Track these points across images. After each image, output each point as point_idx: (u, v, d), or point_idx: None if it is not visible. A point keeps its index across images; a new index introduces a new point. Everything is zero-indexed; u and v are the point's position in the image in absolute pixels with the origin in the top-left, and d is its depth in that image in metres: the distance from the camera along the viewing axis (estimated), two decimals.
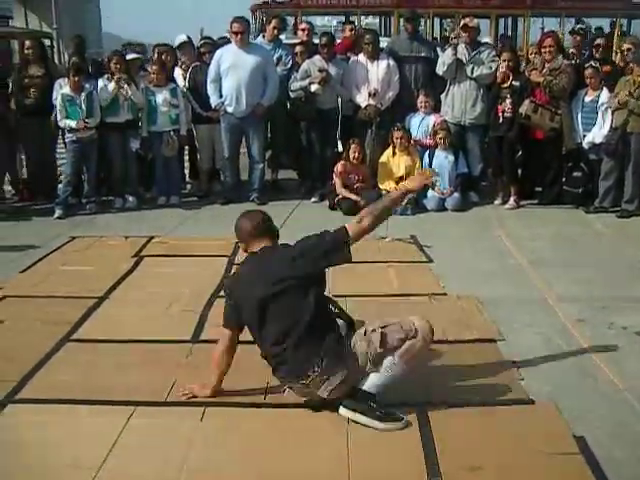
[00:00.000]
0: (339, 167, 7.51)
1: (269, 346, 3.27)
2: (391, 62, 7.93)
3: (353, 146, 7.52)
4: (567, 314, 4.51)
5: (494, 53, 7.75)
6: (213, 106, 7.73)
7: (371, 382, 3.21)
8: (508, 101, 7.32)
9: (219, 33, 10.02)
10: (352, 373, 3.21)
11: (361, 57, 8.03)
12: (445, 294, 4.93)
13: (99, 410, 3.36)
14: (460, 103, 7.72)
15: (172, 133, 7.81)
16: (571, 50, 8.46)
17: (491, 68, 7.54)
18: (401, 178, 7.50)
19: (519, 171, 7.94)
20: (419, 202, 7.50)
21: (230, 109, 7.64)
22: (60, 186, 7.77)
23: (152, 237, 6.48)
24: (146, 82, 7.83)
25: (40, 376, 3.72)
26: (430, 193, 7.52)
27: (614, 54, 10.42)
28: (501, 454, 2.97)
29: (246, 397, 3.45)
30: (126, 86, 7.53)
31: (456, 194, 7.52)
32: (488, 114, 7.62)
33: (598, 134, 7.15)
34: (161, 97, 7.71)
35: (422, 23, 15.03)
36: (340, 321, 3.46)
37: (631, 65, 7.20)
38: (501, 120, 7.43)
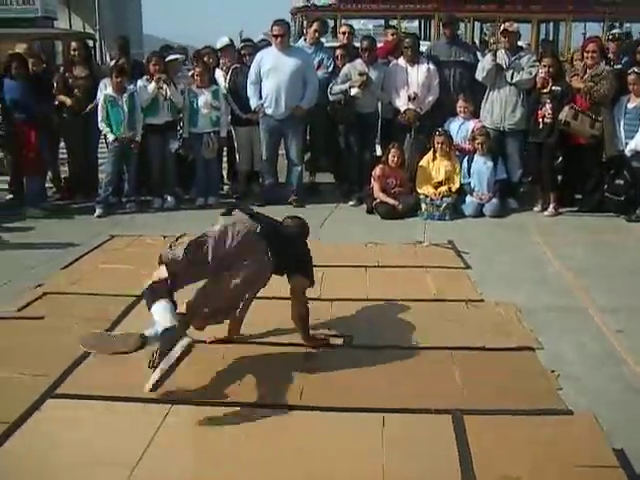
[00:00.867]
0: (377, 171, 7.50)
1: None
2: (431, 66, 7.89)
3: (393, 150, 7.50)
4: (607, 324, 4.44)
5: (534, 58, 7.67)
6: (253, 108, 7.78)
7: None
8: (548, 107, 7.23)
9: (258, 36, 10.08)
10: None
11: (401, 61, 8.00)
12: (482, 300, 4.89)
13: (136, 407, 3.40)
14: (499, 109, 7.65)
15: (212, 135, 7.87)
16: (609, 56, 8.31)
17: (531, 73, 7.45)
18: (440, 183, 7.48)
19: (559, 178, 7.85)
20: (457, 208, 7.45)
21: (269, 111, 7.68)
22: (101, 185, 7.89)
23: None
24: (187, 83, 7.91)
25: (79, 372, 3.78)
26: (468, 199, 7.47)
27: None
28: (537, 464, 2.93)
29: (282, 398, 3.46)
30: (165, 86, 7.61)
31: (494, 200, 7.45)
32: (528, 120, 7.53)
33: None
34: (203, 99, 7.78)
35: (461, 27, 14.92)
36: None
37: None
38: (541, 126, 7.34)
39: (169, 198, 7.97)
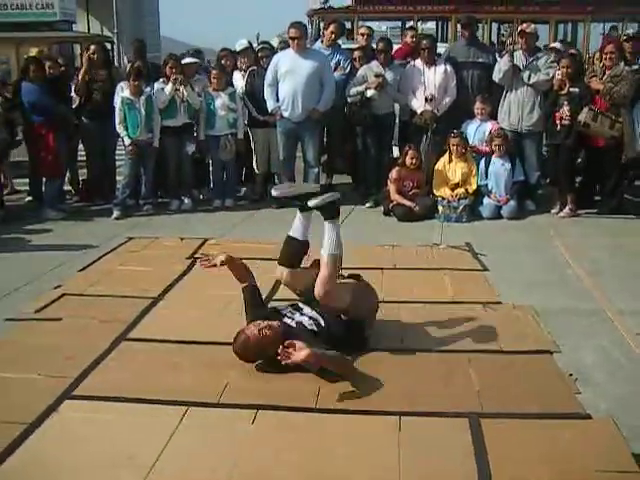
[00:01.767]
0: (394, 173, 7.48)
1: None
2: (448, 68, 7.86)
3: (410, 152, 7.48)
4: (626, 327, 4.39)
5: (552, 59, 7.61)
6: (270, 110, 7.79)
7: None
8: (566, 108, 7.18)
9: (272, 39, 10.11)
10: None
11: (418, 62, 7.98)
12: (500, 303, 4.86)
13: (152, 409, 3.40)
14: (517, 110, 7.61)
15: (229, 137, 7.90)
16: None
17: (548, 74, 7.41)
18: (457, 185, 7.46)
19: (577, 179, 7.79)
20: (474, 210, 7.42)
21: (286, 113, 7.68)
22: (118, 187, 7.94)
23: (207, 239, 6.56)
24: (203, 86, 7.95)
25: (96, 374, 3.79)
26: (486, 201, 7.44)
27: None
28: (555, 468, 2.90)
29: (298, 401, 3.46)
30: (182, 88, 7.65)
31: (512, 202, 7.41)
32: (545, 121, 7.50)
33: None
34: (220, 101, 7.82)
35: (479, 28, 14.84)
36: None
37: None
38: (558, 127, 7.30)
39: (186, 200, 8.00)
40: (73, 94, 8.06)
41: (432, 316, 4.55)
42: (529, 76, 7.48)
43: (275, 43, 9.91)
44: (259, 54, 8.38)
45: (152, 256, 6.09)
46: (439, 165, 7.59)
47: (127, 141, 7.61)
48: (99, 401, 3.48)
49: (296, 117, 7.67)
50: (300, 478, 2.88)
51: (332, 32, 8.34)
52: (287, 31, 7.80)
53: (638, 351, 4.06)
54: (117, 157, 8.56)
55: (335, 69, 8.02)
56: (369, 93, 7.73)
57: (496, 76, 7.66)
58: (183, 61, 8.07)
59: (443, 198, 7.40)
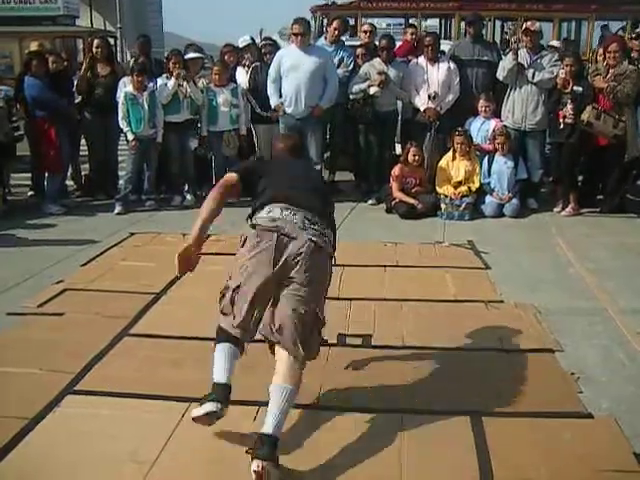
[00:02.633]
0: (396, 170, 7.48)
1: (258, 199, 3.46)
2: (452, 65, 7.85)
3: (413, 149, 7.48)
4: (628, 326, 4.39)
5: (556, 57, 7.60)
6: (273, 106, 7.78)
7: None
8: (569, 107, 7.16)
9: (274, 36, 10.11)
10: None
11: (421, 60, 7.98)
12: (502, 301, 4.85)
13: (154, 405, 3.41)
14: (521, 108, 7.60)
15: (232, 133, 7.91)
16: (632, 55, 8.21)
17: (552, 73, 7.40)
18: (460, 183, 7.45)
19: (579, 178, 7.79)
20: (477, 208, 7.41)
21: (289, 110, 7.67)
22: (121, 182, 7.93)
23: (209, 235, 6.52)
24: (207, 82, 7.94)
25: (98, 369, 3.80)
26: (488, 199, 7.43)
27: None
28: (556, 468, 2.91)
29: (300, 397, 3.45)
30: (185, 83, 7.64)
31: (515, 200, 7.40)
32: (549, 120, 7.49)
33: None
34: (222, 97, 7.82)
35: (484, 26, 14.81)
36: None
37: None
38: (562, 126, 7.28)
39: (188, 196, 8.00)
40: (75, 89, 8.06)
41: (434, 314, 4.56)
42: (533, 74, 7.47)
43: (277, 39, 9.89)
44: (262, 50, 8.37)
45: (154, 252, 6.09)
46: (442, 163, 7.58)
47: (130, 136, 7.61)
48: (101, 396, 3.49)
49: (299, 113, 7.66)
50: (301, 475, 2.88)
51: (335, 28, 8.33)
52: (290, 27, 7.79)
53: (639, 349, 4.06)
54: (119, 152, 8.55)
55: (338, 66, 8.00)
56: (372, 90, 7.72)
57: (500, 74, 7.65)
58: (187, 56, 8.05)
59: (446, 196, 7.39)
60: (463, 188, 7.40)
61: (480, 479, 2.82)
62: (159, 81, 7.75)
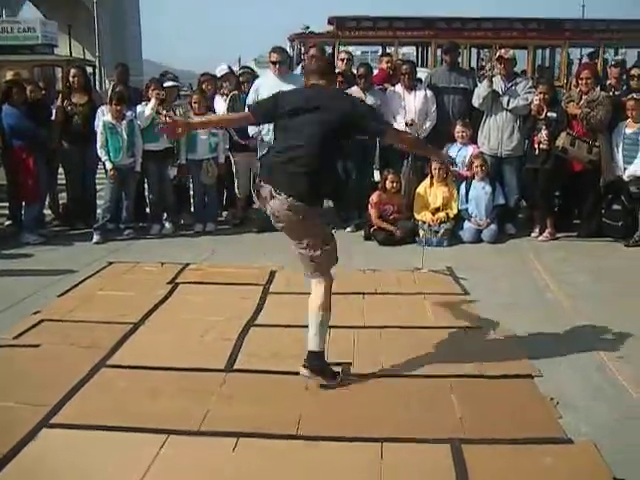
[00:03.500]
0: (374, 197, 7.52)
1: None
2: (428, 93, 7.94)
3: (390, 176, 7.53)
4: (606, 350, 4.41)
5: (530, 84, 7.72)
6: (251, 135, 7.80)
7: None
8: (544, 133, 7.25)
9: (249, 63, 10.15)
10: (293, 222, 3.99)
11: (398, 87, 8.05)
12: (480, 327, 4.86)
13: (132, 438, 3.36)
14: (497, 135, 7.69)
15: (211, 161, 7.92)
16: (608, 82, 8.36)
17: (527, 99, 7.50)
18: (438, 209, 7.49)
19: (556, 203, 7.86)
20: (455, 234, 7.46)
21: (267, 138, 7.69)
22: (99, 211, 7.89)
23: (188, 264, 6.52)
24: (183, 110, 7.95)
25: (75, 401, 3.74)
26: (466, 224, 7.48)
27: None
28: None
29: (280, 427, 3.43)
30: (164, 111, 7.65)
31: (493, 226, 7.46)
32: (524, 146, 7.57)
33: None
34: None
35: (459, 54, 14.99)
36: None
37: None
38: (537, 152, 7.37)
39: (167, 224, 7.98)
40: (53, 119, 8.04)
41: (413, 341, 4.55)
42: (508, 101, 7.57)
43: (253, 66, 9.94)
44: (240, 78, 8.41)
45: (133, 281, 6.05)
46: (420, 189, 7.62)
47: (108, 165, 7.59)
48: (78, 430, 3.44)
49: None
50: None
51: (313, 56, 8.37)
52: (269, 55, 7.83)
53: (619, 374, 4.07)
54: (97, 181, 8.52)
55: None
56: None
57: (476, 101, 7.74)
58: (165, 84, 8.07)
59: (424, 222, 7.42)
60: (441, 214, 7.44)
61: None
62: (138, 109, 7.75)
